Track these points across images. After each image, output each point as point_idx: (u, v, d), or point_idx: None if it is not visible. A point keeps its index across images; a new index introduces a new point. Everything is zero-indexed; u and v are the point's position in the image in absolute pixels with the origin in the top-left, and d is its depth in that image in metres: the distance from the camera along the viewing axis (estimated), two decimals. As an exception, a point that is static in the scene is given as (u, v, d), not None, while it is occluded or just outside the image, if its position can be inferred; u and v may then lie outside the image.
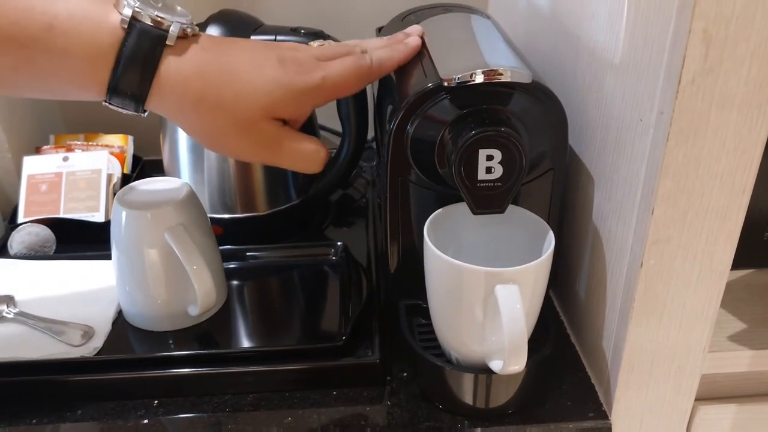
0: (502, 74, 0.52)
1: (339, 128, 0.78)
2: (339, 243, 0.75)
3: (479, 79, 0.52)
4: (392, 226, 0.61)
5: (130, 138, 0.92)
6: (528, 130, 0.55)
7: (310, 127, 0.79)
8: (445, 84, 0.53)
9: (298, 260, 0.74)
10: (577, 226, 0.64)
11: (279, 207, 0.78)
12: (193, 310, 0.63)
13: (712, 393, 0.59)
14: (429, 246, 0.54)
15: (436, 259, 0.53)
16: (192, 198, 0.64)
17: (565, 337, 0.67)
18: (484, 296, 0.51)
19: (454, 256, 0.52)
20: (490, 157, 0.52)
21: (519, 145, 0.51)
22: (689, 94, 0.44)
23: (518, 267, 0.51)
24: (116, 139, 0.91)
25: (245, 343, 0.64)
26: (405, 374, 0.62)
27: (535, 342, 0.55)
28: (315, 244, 0.76)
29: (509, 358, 0.50)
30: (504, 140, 0.51)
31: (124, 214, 0.62)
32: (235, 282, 0.72)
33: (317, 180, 0.80)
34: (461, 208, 0.57)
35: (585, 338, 0.64)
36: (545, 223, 0.56)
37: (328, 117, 0.83)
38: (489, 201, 0.53)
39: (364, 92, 0.75)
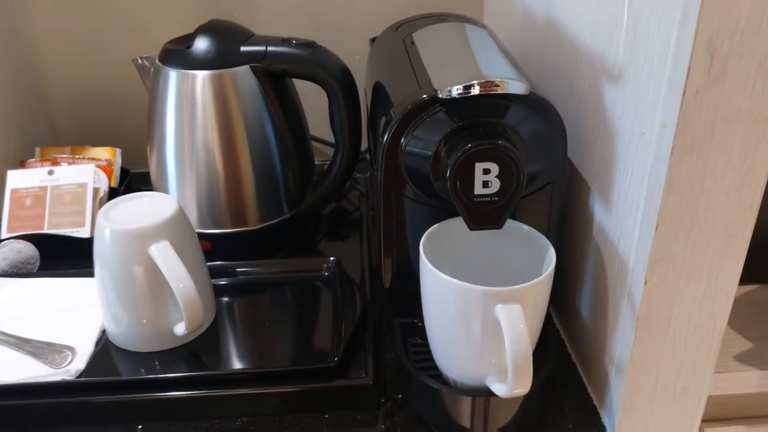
0: (498, 86, 0.50)
1: (332, 139, 0.76)
2: (332, 258, 0.73)
3: (475, 91, 0.50)
4: (386, 242, 0.59)
5: (118, 151, 0.89)
6: (525, 143, 0.53)
7: (301, 139, 0.78)
8: (440, 96, 0.51)
9: (289, 276, 0.72)
10: (577, 241, 0.62)
11: (270, 221, 0.76)
12: (180, 330, 0.61)
13: (719, 414, 0.57)
14: (425, 263, 0.52)
15: (433, 277, 0.51)
16: (179, 214, 0.62)
17: (565, 356, 0.65)
18: (483, 316, 0.49)
19: (451, 273, 0.50)
20: (486, 171, 0.50)
21: (516, 158, 0.49)
22: (693, 106, 0.42)
23: (520, 285, 0.49)
24: (103, 152, 0.89)
25: (234, 364, 0.62)
26: (400, 396, 0.59)
27: (534, 361, 0.53)
28: (307, 259, 0.74)
29: (514, 381, 0.47)
30: (500, 153, 0.49)
31: (107, 231, 0.60)
32: (224, 299, 0.70)
33: (310, 193, 0.78)
34: (457, 223, 0.55)
35: (587, 357, 0.62)
36: (545, 238, 0.54)
37: (321, 128, 0.81)
38: (486, 216, 0.52)
39: (357, 103, 0.74)
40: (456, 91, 0.51)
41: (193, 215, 0.74)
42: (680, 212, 0.45)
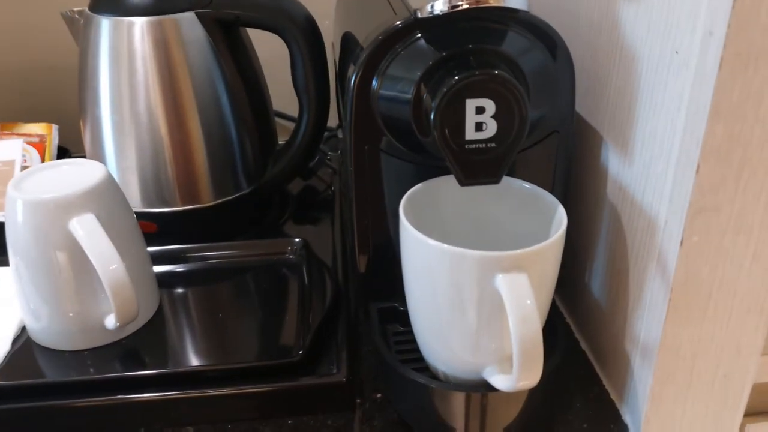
0: (493, -3, 0.40)
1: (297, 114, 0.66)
2: (297, 239, 0.62)
3: (463, 4, 0.40)
4: (359, 208, 0.49)
5: (55, 127, 0.78)
6: (527, 79, 0.43)
7: (260, 104, 0.67)
8: (419, 15, 0.41)
9: (248, 260, 0.62)
10: (585, 204, 0.52)
11: (226, 197, 0.65)
12: (111, 323, 0.50)
13: (764, 406, 0.47)
14: (406, 227, 0.41)
15: (416, 243, 0.41)
16: (107, 182, 0.51)
17: (572, 343, 0.55)
18: (480, 290, 0.39)
19: (439, 241, 0.40)
20: (480, 110, 0.40)
21: (518, 91, 0.39)
22: (751, 2, 0.32)
23: (526, 249, 0.39)
24: (37, 128, 0.77)
25: (178, 362, 0.51)
26: (379, 396, 0.49)
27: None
28: (268, 241, 0.63)
29: (521, 371, 0.37)
30: (498, 86, 0.39)
31: (19, 203, 0.49)
32: (171, 288, 0.59)
33: (271, 165, 0.67)
34: (446, 182, 0.45)
35: (600, 344, 0.52)
36: (552, 196, 0.44)
37: (285, 100, 0.70)
38: (480, 168, 0.42)
39: (324, 58, 0.64)
40: (439, 7, 0.41)
41: (135, 192, 0.63)
42: (729, 147, 0.36)
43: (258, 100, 0.67)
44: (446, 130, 0.40)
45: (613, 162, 0.47)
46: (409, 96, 0.43)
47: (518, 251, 0.38)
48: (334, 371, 0.49)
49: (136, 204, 0.63)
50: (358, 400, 0.49)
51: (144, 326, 0.54)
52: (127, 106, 0.61)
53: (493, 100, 0.40)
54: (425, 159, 0.46)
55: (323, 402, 0.48)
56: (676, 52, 0.37)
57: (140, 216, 0.63)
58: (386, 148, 0.46)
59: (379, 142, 0.46)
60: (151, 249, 0.59)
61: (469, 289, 0.40)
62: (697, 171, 0.36)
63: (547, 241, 0.39)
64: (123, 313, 0.49)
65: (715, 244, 0.39)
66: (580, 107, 0.51)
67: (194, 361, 0.51)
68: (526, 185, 0.46)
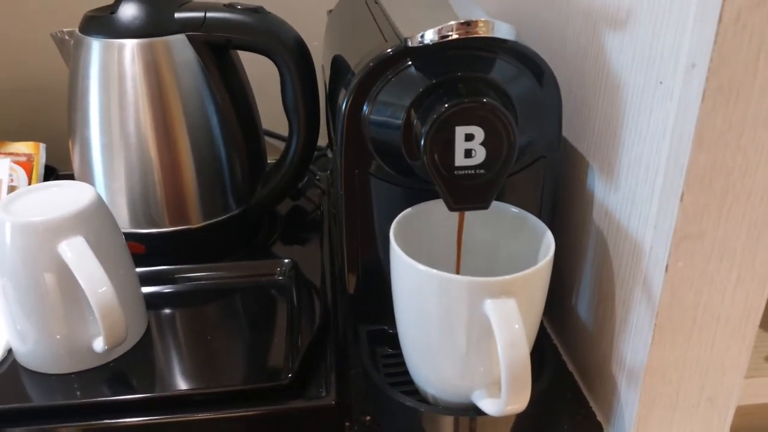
0: (482, 27, 0.41)
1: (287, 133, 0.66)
2: (287, 260, 0.62)
3: (453, 35, 0.41)
4: (350, 231, 0.49)
5: (42, 146, 0.78)
6: (514, 105, 0.44)
7: (250, 125, 0.68)
8: (410, 45, 0.42)
9: (236, 282, 0.62)
10: (572, 228, 0.53)
11: (215, 219, 0.65)
12: (99, 346, 0.50)
13: (747, 427, 0.48)
14: (396, 252, 0.42)
15: (406, 268, 0.41)
16: (97, 205, 0.51)
17: (560, 365, 0.55)
18: (469, 315, 0.40)
19: (429, 265, 0.40)
20: (469, 137, 0.40)
21: (506, 119, 0.40)
22: (732, 36, 0.33)
23: (514, 275, 0.39)
24: (24, 147, 0.77)
25: (166, 385, 0.51)
26: (368, 418, 0.49)
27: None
28: (257, 262, 0.63)
29: (509, 396, 0.38)
30: (487, 113, 0.40)
31: (7, 226, 0.48)
32: (160, 310, 0.59)
33: (261, 186, 0.68)
34: (435, 207, 0.45)
35: (587, 365, 0.53)
36: (540, 221, 0.45)
37: (275, 119, 0.71)
38: (469, 193, 0.42)
39: (313, 79, 0.64)
40: (429, 37, 0.41)
41: (123, 213, 0.63)
42: (712, 175, 0.37)
43: (247, 120, 0.67)
44: (436, 156, 0.41)
45: (599, 187, 0.48)
46: (399, 122, 0.44)
47: (507, 277, 0.39)
48: (323, 394, 0.49)
49: (125, 225, 0.63)
50: (347, 423, 0.49)
51: (132, 349, 0.54)
52: (117, 127, 0.61)
53: (482, 127, 0.40)
54: (415, 183, 0.46)
55: (312, 425, 0.48)
56: (660, 82, 0.38)
57: (128, 237, 0.63)
58: (376, 172, 0.47)
59: (369, 166, 0.46)
60: (139, 270, 0.59)
61: (458, 314, 0.40)
62: (681, 199, 0.37)
63: (535, 267, 0.40)
64: (112, 336, 0.49)
65: (699, 270, 0.39)
66: (567, 132, 0.52)
67: (182, 385, 0.51)
68: (514, 209, 0.46)
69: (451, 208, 0.42)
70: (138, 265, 0.60)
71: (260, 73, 0.69)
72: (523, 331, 0.38)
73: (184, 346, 0.55)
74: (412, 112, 0.43)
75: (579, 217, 0.51)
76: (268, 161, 0.71)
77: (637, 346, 0.43)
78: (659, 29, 0.38)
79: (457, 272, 0.47)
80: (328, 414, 0.48)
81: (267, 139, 0.86)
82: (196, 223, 0.64)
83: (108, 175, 0.62)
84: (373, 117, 0.44)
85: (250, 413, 0.48)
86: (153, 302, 0.59)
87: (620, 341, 0.46)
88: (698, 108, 0.35)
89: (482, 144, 0.41)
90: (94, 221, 0.51)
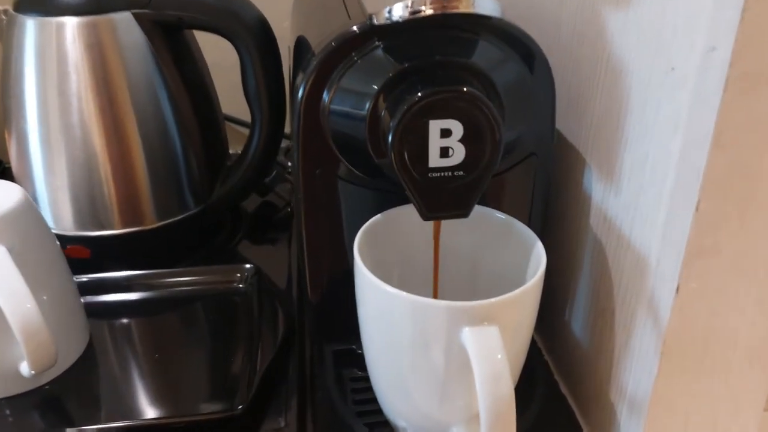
0: (461, 0, 0.35)
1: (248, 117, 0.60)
2: (248, 266, 0.56)
3: (427, 10, 0.35)
4: (311, 240, 0.43)
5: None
6: (500, 96, 0.38)
7: (209, 113, 0.61)
8: (376, 23, 0.36)
9: (191, 290, 0.55)
10: (567, 232, 0.47)
11: (170, 219, 0.59)
12: (25, 371, 0.44)
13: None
14: (361, 270, 0.36)
15: (372, 289, 0.35)
16: (25, 207, 0.45)
17: (551, 386, 0.49)
18: (446, 343, 0.34)
19: (401, 284, 0.34)
20: (446, 133, 0.34)
21: (489, 111, 0.34)
22: (761, 14, 0.27)
23: (497, 299, 0.33)
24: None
25: (102, 415, 0.45)
26: (334, 451, 0.43)
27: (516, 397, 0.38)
28: (215, 267, 0.57)
29: (489, 442, 0.32)
30: (467, 105, 0.34)
31: None
32: (104, 322, 0.53)
33: (220, 183, 0.61)
34: (409, 212, 0.39)
35: (583, 389, 0.47)
36: (529, 230, 0.39)
37: (234, 103, 0.64)
38: (446, 199, 0.36)
39: (277, 63, 0.58)
40: (398, 12, 0.35)
41: (67, 214, 0.56)
42: (733, 179, 0.30)
43: (205, 109, 0.60)
44: (406, 156, 0.34)
45: (597, 189, 0.42)
46: (364, 113, 0.37)
47: (488, 301, 0.33)
48: (282, 424, 0.43)
49: (68, 227, 0.56)
50: (311, 457, 0.43)
51: (71, 368, 0.48)
52: (57, 116, 0.54)
53: (461, 122, 0.34)
54: (385, 185, 0.40)
55: (269, 461, 0.42)
56: (672, 68, 0.32)
57: (73, 240, 0.57)
58: (341, 173, 0.40)
59: (332, 165, 0.40)
60: (83, 277, 0.53)
61: (433, 343, 0.34)
62: (697, 208, 0.31)
63: (523, 288, 0.34)
64: (37, 360, 0.42)
65: (714, 290, 0.33)
66: (560, 126, 0.46)
67: (120, 413, 0.45)
68: (500, 215, 0.40)
69: (424, 217, 0.36)
70: (83, 271, 0.54)
71: (221, 57, 0.62)
72: (506, 363, 0.32)
73: (128, 365, 0.49)
74: (380, 101, 0.37)
75: (574, 223, 0.45)
76: (234, 153, 0.65)
77: (641, 374, 0.38)
78: (670, 4, 0.32)
79: (435, 290, 0.41)
80: (286, 449, 0.42)
81: (235, 127, 0.80)
82: (149, 224, 0.58)
83: (48, 170, 0.56)
84: (334, 106, 0.38)
85: (199, 447, 0.42)
86: (97, 313, 0.53)
87: (621, 366, 0.40)
88: (719, 99, 0.29)
89: (461, 141, 0.34)
90: (20, 226, 0.44)
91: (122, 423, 0.43)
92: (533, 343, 0.52)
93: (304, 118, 0.39)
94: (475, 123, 0.34)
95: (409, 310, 0.34)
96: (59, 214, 0.56)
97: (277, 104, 0.58)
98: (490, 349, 0.32)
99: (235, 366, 0.48)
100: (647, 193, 0.36)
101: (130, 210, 0.57)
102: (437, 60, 0.36)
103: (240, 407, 0.42)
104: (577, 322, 0.46)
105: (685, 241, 0.32)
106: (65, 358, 0.48)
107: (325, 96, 0.38)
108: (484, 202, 0.41)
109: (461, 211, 0.36)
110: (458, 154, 0.35)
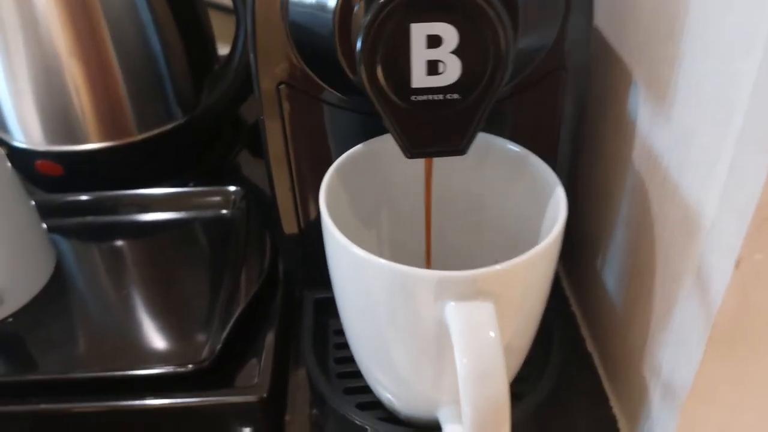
0: None
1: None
2: (233, 188, 0.49)
3: None
4: (278, 171, 0.35)
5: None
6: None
7: (194, 12, 0.52)
8: None
9: (171, 216, 0.48)
10: (603, 164, 0.38)
11: (153, 131, 0.52)
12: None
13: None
14: (328, 227, 0.28)
15: (340, 251, 0.28)
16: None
17: (577, 342, 0.42)
18: (430, 319, 0.26)
19: (386, 236, 0.27)
20: (434, 41, 0.25)
21: (493, 8, 0.25)
22: None
23: (492, 268, 0.25)
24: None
25: (55, 362, 0.39)
26: (311, 414, 0.37)
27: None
28: (195, 191, 0.50)
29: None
30: (463, 2, 0.24)
31: None
32: (72, 246, 0.47)
33: (209, 88, 0.53)
34: (394, 144, 0.31)
35: (612, 353, 0.39)
36: (548, 169, 0.30)
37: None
38: (435, 131, 0.27)
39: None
40: None
41: (35, 126, 0.50)
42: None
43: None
44: (380, 73, 0.26)
45: (643, 115, 0.32)
46: (332, 5, 0.28)
47: (481, 271, 0.25)
48: (255, 381, 0.37)
49: (38, 141, 0.50)
50: (287, 418, 0.38)
51: (30, 303, 0.43)
52: (13, 12, 0.46)
53: (455, 25, 0.25)
54: (366, 105, 0.32)
55: (235, 425, 0.37)
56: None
57: (43, 156, 0.51)
58: (310, 88, 0.32)
59: (298, 77, 0.32)
60: (46, 198, 0.48)
61: (415, 318, 0.27)
62: (777, 153, 0.22)
63: (531, 252, 0.26)
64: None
65: (788, 265, 0.25)
66: (598, 27, 0.36)
67: (76, 362, 0.39)
68: (512, 148, 0.32)
69: (407, 154, 0.28)
70: (54, 189, 0.48)
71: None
72: (500, 352, 0.24)
73: (91, 303, 0.44)
74: (355, -6, 0.28)
75: (612, 158, 0.36)
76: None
77: (679, 357, 0.30)
78: None
79: (427, 244, 0.33)
80: (251, 413, 0.36)
81: (212, 13, 0.70)
82: (127, 137, 0.51)
83: (8, 76, 0.49)
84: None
85: (156, 405, 0.36)
86: (66, 236, 0.47)
87: (657, 341, 0.32)
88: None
89: (455, 52, 0.25)
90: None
91: (74, 375, 0.38)
92: (560, 290, 0.44)
93: (259, 12, 0.30)
94: (473, 26, 0.25)
95: (385, 279, 0.26)
96: (26, 127, 0.50)
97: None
98: (479, 334, 0.25)
99: (210, 310, 0.42)
100: (703, 131, 0.26)
101: (105, 121, 0.50)
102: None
103: (207, 358, 0.36)
104: (611, 275, 0.38)
105: (754, 203, 0.23)
106: (25, 290, 0.43)
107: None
108: (492, 130, 0.32)
109: (455, 146, 0.28)
110: (451, 69, 0.26)
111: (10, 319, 0.42)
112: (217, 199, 0.49)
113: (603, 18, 0.34)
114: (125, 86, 0.49)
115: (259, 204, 0.49)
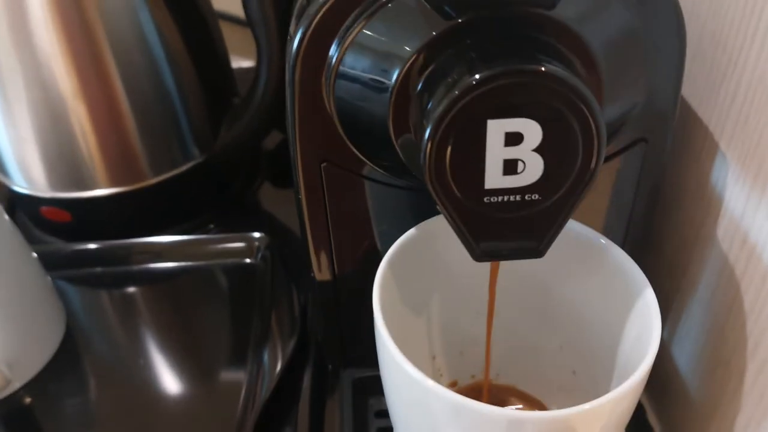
0: None
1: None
2: (257, 235, 0.45)
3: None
4: (317, 247, 0.31)
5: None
6: (600, 66, 0.24)
7: (213, 45, 0.48)
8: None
9: (186, 266, 0.45)
10: (678, 245, 0.34)
11: (167, 174, 0.48)
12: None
13: None
14: (387, 346, 0.24)
15: (396, 369, 0.24)
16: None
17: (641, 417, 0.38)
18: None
19: (442, 324, 0.23)
20: (515, 139, 0.21)
21: (586, 103, 0.21)
22: None
23: (581, 407, 0.21)
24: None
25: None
26: None
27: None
28: (213, 238, 0.45)
29: None
30: (550, 95, 0.21)
31: None
32: (78, 305, 0.44)
33: (227, 125, 0.49)
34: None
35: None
36: (637, 269, 0.26)
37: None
38: (510, 233, 0.24)
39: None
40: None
41: (38, 172, 0.46)
42: None
43: (203, 34, 0.48)
44: (448, 172, 0.22)
45: (735, 194, 0.28)
46: (390, 83, 0.24)
47: (565, 412, 0.21)
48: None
49: (42, 187, 0.46)
50: None
51: (42, 372, 0.39)
52: (11, 47, 0.42)
53: (539, 121, 0.21)
54: (416, 182, 0.28)
55: None
56: None
57: (48, 202, 0.47)
58: (354, 168, 0.28)
59: (342, 155, 0.28)
60: (53, 248, 0.44)
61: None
62: None
63: (620, 388, 0.22)
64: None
65: None
66: (684, 95, 0.32)
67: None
68: (598, 240, 0.28)
69: (476, 258, 0.24)
70: (63, 237, 0.45)
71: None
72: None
73: (106, 371, 0.40)
74: (415, 70, 0.24)
75: (690, 235, 0.32)
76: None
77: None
78: None
79: (487, 346, 0.29)
80: None
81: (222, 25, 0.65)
82: (142, 181, 0.47)
83: (7, 117, 0.44)
84: (345, 69, 0.25)
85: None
86: (75, 291, 0.45)
87: (745, 442, 0.29)
88: None
89: (537, 150, 0.22)
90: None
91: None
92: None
93: (301, 83, 0.26)
94: (560, 121, 0.21)
95: (449, 412, 0.22)
96: (28, 172, 0.46)
97: (286, 25, 0.44)
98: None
99: (233, 380, 0.38)
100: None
101: (114, 166, 0.46)
102: (501, 15, 0.22)
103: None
104: (682, 358, 0.34)
105: None
106: (36, 359, 0.39)
107: (334, 53, 0.25)
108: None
109: (533, 249, 0.24)
110: (532, 168, 0.22)
111: (21, 392, 0.39)
112: (237, 246, 0.45)
113: (687, 80, 0.30)
114: (136, 127, 0.46)
115: (284, 245, 0.45)
